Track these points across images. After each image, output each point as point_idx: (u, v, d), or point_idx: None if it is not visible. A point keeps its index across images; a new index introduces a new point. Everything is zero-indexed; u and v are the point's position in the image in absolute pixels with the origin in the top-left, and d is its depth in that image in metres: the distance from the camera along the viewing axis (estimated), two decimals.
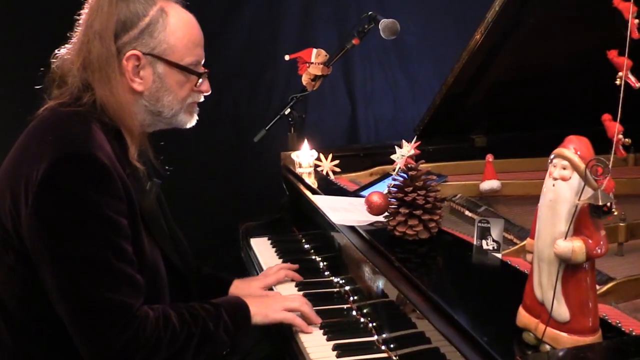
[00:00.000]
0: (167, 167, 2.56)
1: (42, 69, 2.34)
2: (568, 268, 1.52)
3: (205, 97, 2.48)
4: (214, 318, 2.33)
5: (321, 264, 3.16)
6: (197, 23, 2.39)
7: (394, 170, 2.59)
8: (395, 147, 2.58)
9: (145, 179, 2.43)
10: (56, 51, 2.36)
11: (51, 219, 2.07)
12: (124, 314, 2.11)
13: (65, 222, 2.07)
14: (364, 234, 2.56)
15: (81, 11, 2.33)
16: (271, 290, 2.89)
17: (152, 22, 2.27)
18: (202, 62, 2.41)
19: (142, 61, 2.28)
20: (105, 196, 2.09)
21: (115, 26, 2.24)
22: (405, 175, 2.51)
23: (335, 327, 2.52)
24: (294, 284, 2.94)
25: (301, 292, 2.83)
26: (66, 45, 2.35)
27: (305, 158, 3.64)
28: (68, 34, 2.36)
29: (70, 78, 2.27)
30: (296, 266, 3.03)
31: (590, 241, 1.50)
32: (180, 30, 2.32)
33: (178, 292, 2.48)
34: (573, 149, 1.52)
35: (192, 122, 2.47)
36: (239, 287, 2.84)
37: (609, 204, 1.47)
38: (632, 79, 1.56)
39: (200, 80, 2.40)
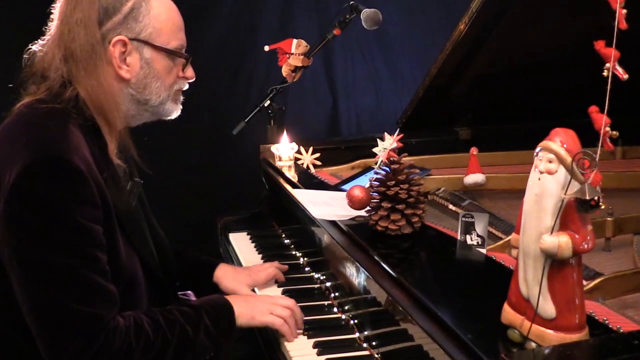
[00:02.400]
0: (142, 156, 2.54)
1: (17, 64, 2.30)
2: (554, 264, 1.52)
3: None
4: (193, 322, 2.27)
5: (302, 259, 3.15)
6: (176, 7, 2.39)
7: (376, 164, 2.59)
8: (378, 139, 2.58)
9: (126, 178, 2.41)
10: (30, 46, 2.32)
11: (21, 226, 2.03)
12: (92, 326, 2.06)
13: (35, 230, 2.02)
14: (345, 228, 2.56)
15: (54, 4, 2.30)
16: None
17: (135, 7, 2.25)
18: (185, 47, 2.40)
19: (129, 47, 2.26)
20: (78, 203, 2.05)
21: (98, 13, 2.21)
22: (387, 169, 2.51)
23: (316, 324, 2.51)
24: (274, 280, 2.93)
25: (281, 289, 2.83)
26: (40, 40, 2.32)
27: (285, 151, 3.64)
28: (43, 29, 2.33)
29: (52, 72, 2.23)
30: (285, 267, 2.99)
31: (577, 236, 1.50)
32: (163, 14, 2.31)
33: (157, 298, 2.45)
34: (559, 142, 1.51)
35: (177, 111, 2.46)
36: (227, 277, 2.81)
37: (596, 198, 1.47)
38: (619, 70, 1.56)
39: (187, 65, 2.40)
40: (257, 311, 2.42)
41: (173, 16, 2.36)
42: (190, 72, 2.43)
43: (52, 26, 2.30)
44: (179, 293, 2.91)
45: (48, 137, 2.10)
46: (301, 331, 2.46)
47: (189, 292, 2.90)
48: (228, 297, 2.44)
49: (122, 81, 2.29)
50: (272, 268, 2.92)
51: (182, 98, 2.47)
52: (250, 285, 2.82)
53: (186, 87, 2.46)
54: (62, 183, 2.04)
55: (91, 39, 2.21)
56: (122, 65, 2.26)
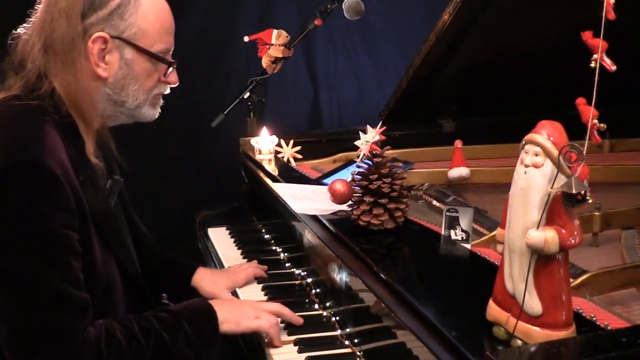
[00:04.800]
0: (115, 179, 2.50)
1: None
2: (540, 259, 1.52)
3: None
4: (172, 329, 2.20)
5: (282, 255, 3.15)
6: (169, 9, 2.33)
7: (358, 157, 2.58)
8: (360, 132, 2.57)
9: (104, 177, 2.39)
10: (14, 31, 2.27)
11: None
12: (61, 337, 2.01)
13: (6, 237, 1.98)
14: (326, 223, 2.56)
15: None
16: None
17: (123, 3, 2.20)
18: (172, 51, 2.36)
19: (110, 45, 2.20)
20: (52, 210, 2.01)
21: (82, 5, 2.16)
22: (370, 162, 2.51)
23: None
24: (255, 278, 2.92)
25: (261, 285, 2.83)
26: (25, 25, 2.26)
27: (265, 144, 3.63)
28: (28, 11, 2.28)
29: (30, 62, 2.18)
30: (264, 267, 2.95)
31: (563, 231, 1.50)
32: (152, 14, 2.25)
33: (137, 303, 2.41)
34: (546, 135, 1.51)
35: (154, 115, 2.41)
36: (205, 280, 2.77)
37: (583, 192, 1.47)
38: (607, 61, 1.56)
39: (170, 70, 2.36)
40: (243, 316, 2.35)
41: (162, 18, 2.29)
42: (173, 77, 2.39)
43: (38, 10, 2.24)
44: None
45: (22, 140, 2.06)
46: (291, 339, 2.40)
47: (163, 294, 2.85)
48: (212, 302, 2.37)
49: (99, 80, 2.23)
50: (252, 268, 2.90)
51: (161, 102, 2.42)
52: (230, 287, 2.78)
53: (167, 91, 2.41)
54: (35, 189, 1.99)
55: (72, 32, 2.15)
56: (99, 63, 2.20)
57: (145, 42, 2.25)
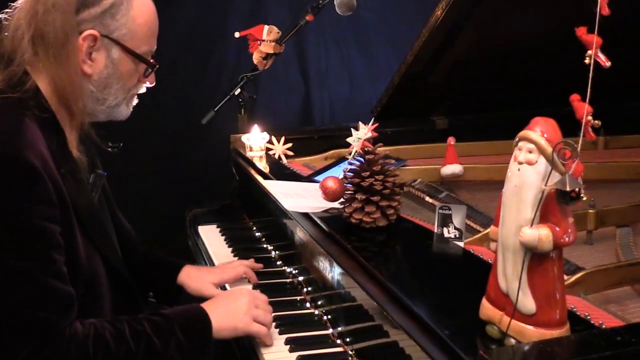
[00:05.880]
0: (111, 146, 2.51)
1: None
2: (534, 257, 1.52)
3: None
4: (163, 334, 2.17)
5: (273, 253, 3.15)
6: (156, 11, 2.35)
7: (350, 154, 2.58)
8: (352, 129, 2.57)
9: (87, 171, 2.37)
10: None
11: None
12: (46, 332, 2.00)
13: None
14: (318, 221, 2.55)
15: None
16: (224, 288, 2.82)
17: (116, 3, 2.21)
18: (153, 52, 2.38)
19: (98, 43, 2.21)
20: (33, 202, 2.00)
21: (76, 0, 2.17)
22: (362, 159, 2.51)
23: (288, 320, 2.50)
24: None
25: (251, 283, 2.82)
26: (8, 10, 2.25)
27: (256, 141, 3.63)
28: None
29: (19, 55, 2.17)
30: (260, 265, 2.94)
31: (557, 229, 1.50)
32: (142, 17, 2.28)
33: (122, 298, 2.41)
34: (539, 132, 1.51)
35: (128, 114, 2.42)
36: (191, 277, 2.75)
37: (577, 190, 1.47)
38: (601, 57, 1.56)
39: (149, 71, 2.37)
40: (238, 320, 2.33)
41: (150, 21, 2.32)
42: (152, 78, 2.42)
43: None
44: None
45: (0, 133, 2.06)
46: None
47: (150, 293, 2.84)
48: (206, 307, 2.33)
49: (84, 76, 2.24)
50: (243, 267, 2.86)
51: (136, 101, 2.44)
52: (217, 283, 2.76)
53: (143, 90, 2.44)
54: (15, 181, 1.99)
55: (66, 26, 2.16)
56: (86, 60, 2.22)
57: (133, 43, 2.28)
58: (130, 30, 2.26)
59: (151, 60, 2.36)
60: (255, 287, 2.78)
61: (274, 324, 2.45)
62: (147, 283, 2.76)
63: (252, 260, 2.96)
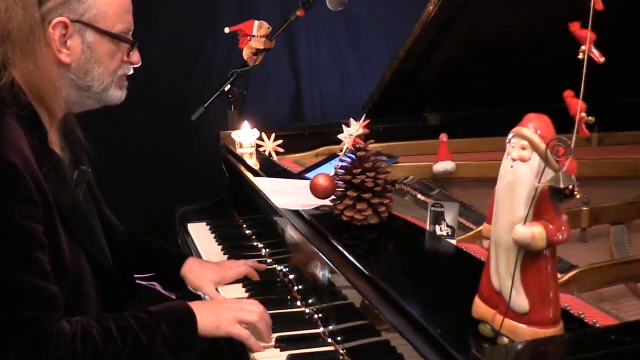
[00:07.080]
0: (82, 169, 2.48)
1: None
2: (527, 255, 1.52)
3: (139, 72, 2.43)
4: (149, 330, 2.18)
5: (263, 251, 3.15)
6: None
7: (341, 151, 2.58)
8: (343, 126, 2.57)
9: (71, 167, 2.37)
10: None
11: None
12: (33, 332, 2.00)
13: None
14: (308, 218, 2.55)
15: None
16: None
17: None
18: (132, 30, 2.36)
19: (70, 29, 2.20)
20: (14, 201, 2.00)
21: None
22: (353, 156, 2.50)
23: (278, 318, 2.49)
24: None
25: (239, 283, 2.82)
26: None
27: (246, 137, 3.63)
28: None
29: None
30: (263, 267, 2.93)
31: (551, 226, 1.49)
32: None
33: (108, 296, 2.40)
34: (533, 128, 1.51)
35: (122, 97, 2.40)
36: (192, 272, 2.78)
37: (571, 187, 1.47)
38: (595, 53, 1.55)
39: (132, 50, 2.35)
40: (222, 320, 2.33)
41: None
42: (136, 56, 2.38)
43: None
44: (147, 283, 2.88)
45: None
46: (272, 344, 2.36)
47: (154, 283, 2.86)
48: (192, 304, 2.34)
49: (62, 65, 2.23)
50: (245, 266, 2.86)
51: (126, 83, 2.42)
52: (217, 282, 2.78)
53: (131, 72, 2.42)
54: None
55: (29, 20, 2.14)
56: (61, 49, 2.20)
57: (106, 23, 2.26)
58: (100, 11, 2.23)
59: (130, 38, 2.35)
60: (245, 284, 2.78)
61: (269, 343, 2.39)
62: (151, 273, 2.81)
63: (255, 260, 2.96)
